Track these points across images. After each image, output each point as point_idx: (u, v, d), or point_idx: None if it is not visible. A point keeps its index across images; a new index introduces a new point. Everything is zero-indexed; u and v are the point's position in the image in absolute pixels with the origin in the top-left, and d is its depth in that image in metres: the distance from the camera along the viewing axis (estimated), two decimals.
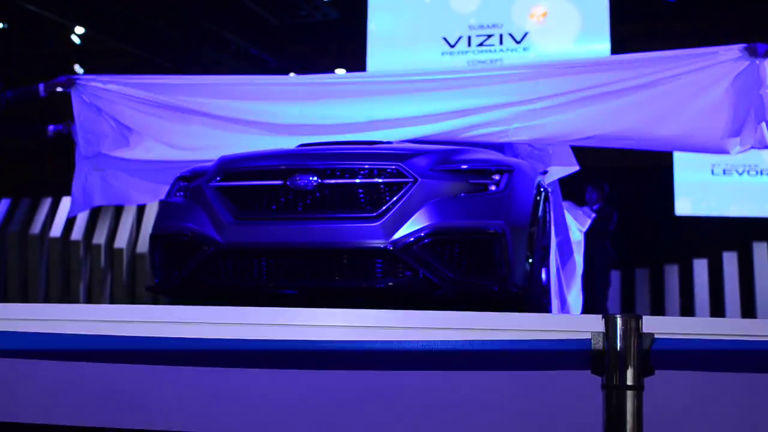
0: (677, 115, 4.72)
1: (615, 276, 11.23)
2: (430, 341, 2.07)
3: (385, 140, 5.26)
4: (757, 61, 4.57)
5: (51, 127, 5.84)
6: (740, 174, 13.82)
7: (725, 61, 4.65)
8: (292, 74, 15.17)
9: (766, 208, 13.79)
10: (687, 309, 10.88)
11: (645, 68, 4.75)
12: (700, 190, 13.97)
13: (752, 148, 4.69)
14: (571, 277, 6.20)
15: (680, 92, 4.70)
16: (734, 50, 4.64)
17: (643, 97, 4.72)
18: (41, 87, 5.56)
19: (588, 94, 4.79)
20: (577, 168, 5.44)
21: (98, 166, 5.69)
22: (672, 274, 11.15)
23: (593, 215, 8.19)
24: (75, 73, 15.66)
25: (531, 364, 2.02)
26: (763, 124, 4.54)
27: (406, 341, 2.10)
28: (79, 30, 13.69)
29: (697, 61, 4.72)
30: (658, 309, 11.07)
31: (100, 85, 5.51)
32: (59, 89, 5.50)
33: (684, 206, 13.91)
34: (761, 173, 13.94)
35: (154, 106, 5.48)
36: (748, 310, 10.63)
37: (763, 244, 10.80)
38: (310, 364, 2.23)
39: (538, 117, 4.88)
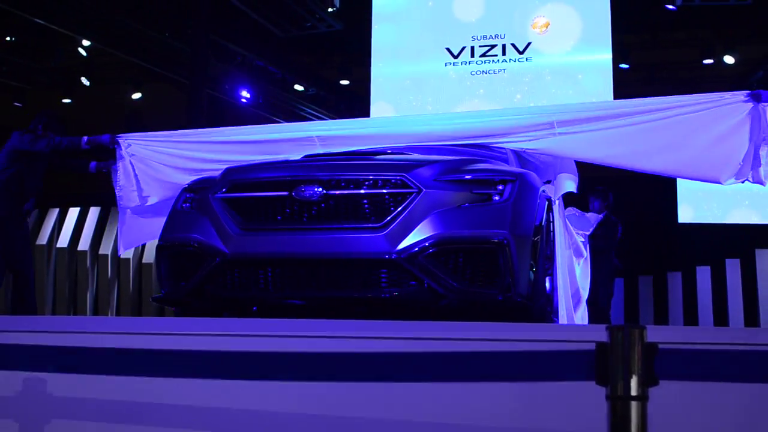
0: (685, 145, 5.21)
1: (618, 283, 11.22)
2: (434, 353, 2.09)
3: (390, 150, 5.29)
4: (760, 106, 5.01)
5: (93, 164, 6.27)
6: (742, 182, 13.80)
7: (731, 104, 5.09)
8: (297, 86, 15.25)
9: None
10: (690, 316, 10.87)
11: (661, 107, 5.28)
12: (702, 197, 13.96)
13: (746, 181, 5.27)
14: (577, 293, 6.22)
15: (688, 126, 5.18)
16: (739, 95, 5.11)
17: (656, 128, 5.22)
18: (84, 140, 6.09)
19: (612, 124, 5.33)
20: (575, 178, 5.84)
21: (134, 212, 6.06)
22: (675, 281, 11.15)
23: (599, 217, 8.20)
24: (81, 84, 15.75)
25: (535, 375, 2.03)
26: (763, 165, 5.09)
27: (409, 353, 2.12)
28: (86, 43, 13.75)
29: (707, 103, 5.17)
30: (662, 316, 11.06)
31: (138, 141, 6.04)
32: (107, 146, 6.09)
33: (687, 214, 13.91)
34: None
35: (185, 158, 5.82)
36: (752, 317, 10.62)
37: (766, 251, 10.78)
38: (317, 375, 2.25)
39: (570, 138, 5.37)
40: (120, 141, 5.99)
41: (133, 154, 5.97)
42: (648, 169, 5.47)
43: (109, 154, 6.09)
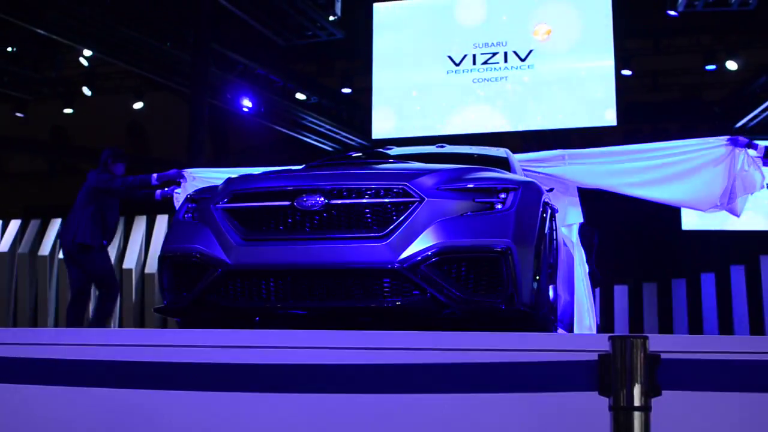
0: (676, 178, 6.28)
1: (622, 291, 11.20)
2: (436, 364, 2.08)
3: (392, 157, 5.26)
4: (736, 150, 6.07)
5: (158, 193, 7.10)
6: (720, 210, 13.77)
7: (714, 147, 6.18)
8: (299, 94, 15.28)
9: None
10: (695, 324, 10.84)
11: (658, 149, 6.42)
12: None
13: (723, 210, 6.28)
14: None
15: (679, 164, 6.25)
16: (722, 140, 6.18)
17: (652, 165, 6.34)
18: (154, 177, 6.90)
19: (615, 159, 6.47)
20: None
21: None
22: (679, 288, 11.12)
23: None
24: (83, 94, 15.80)
25: (537, 386, 2.02)
26: (738, 199, 6.12)
27: (411, 364, 2.11)
28: (87, 53, 13.79)
29: (695, 146, 6.28)
30: (666, 323, 11.03)
31: (201, 174, 6.85)
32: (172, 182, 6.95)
33: (691, 220, 13.89)
34: (767, 187, 13.90)
35: None
36: (757, 323, 10.59)
37: None
38: (320, 387, 2.24)
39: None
40: (185, 173, 6.88)
41: (194, 179, 6.76)
42: (642, 197, 6.50)
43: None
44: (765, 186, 6.22)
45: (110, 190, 6.98)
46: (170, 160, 16.03)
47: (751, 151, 6.09)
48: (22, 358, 2.57)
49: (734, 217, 6.16)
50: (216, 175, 6.68)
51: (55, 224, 10.56)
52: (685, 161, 6.25)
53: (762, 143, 6.25)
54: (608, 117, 11.95)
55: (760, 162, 6.11)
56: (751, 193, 6.19)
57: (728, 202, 6.16)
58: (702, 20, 13.15)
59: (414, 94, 12.78)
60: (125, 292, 9.98)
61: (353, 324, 4.12)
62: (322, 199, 4.10)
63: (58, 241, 10.19)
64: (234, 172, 6.46)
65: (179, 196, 6.81)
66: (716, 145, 6.17)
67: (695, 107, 15.58)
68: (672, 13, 11.45)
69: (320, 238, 4.08)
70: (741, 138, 6.12)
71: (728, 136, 6.18)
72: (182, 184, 6.83)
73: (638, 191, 6.42)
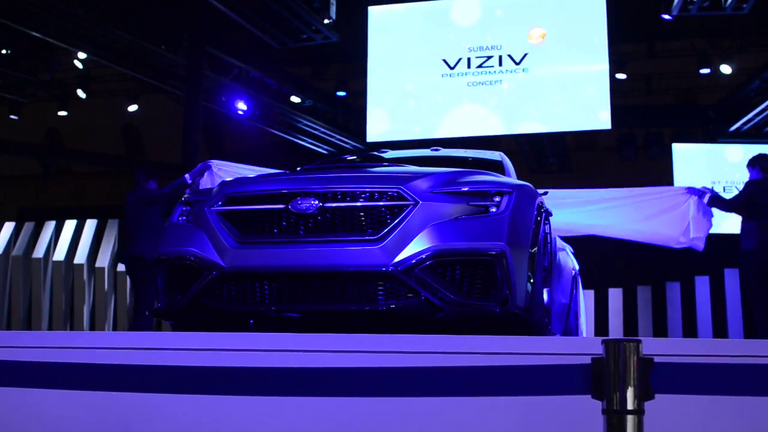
0: (646, 221, 7.46)
1: (617, 294, 11.21)
2: (429, 367, 2.08)
3: (386, 160, 5.26)
4: (692, 198, 7.31)
5: (188, 192, 7.45)
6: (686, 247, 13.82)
7: (674, 195, 7.50)
8: (293, 97, 15.28)
9: None
10: (689, 327, 10.86)
11: (627, 195, 7.62)
12: None
13: (688, 247, 7.43)
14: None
15: (647, 208, 7.47)
16: (681, 189, 7.59)
17: (623, 211, 7.53)
18: (187, 177, 7.13)
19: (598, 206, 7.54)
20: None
21: None
22: (674, 291, 11.13)
23: None
24: (78, 97, 15.78)
25: (530, 389, 2.02)
26: (697, 238, 7.32)
27: (404, 368, 2.11)
28: (82, 55, 13.77)
29: (661, 192, 7.62)
30: (660, 327, 11.05)
31: (226, 167, 7.18)
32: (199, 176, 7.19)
33: None
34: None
35: None
36: (751, 326, 10.61)
37: None
38: (314, 390, 2.24)
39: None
40: (211, 164, 7.19)
41: (219, 169, 7.05)
42: (616, 236, 7.67)
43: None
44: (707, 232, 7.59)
45: (157, 201, 7.42)
46: (165, 163, 16.04)
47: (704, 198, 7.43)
48: (15, 361, 2.57)
49: (729, 221, 7.05)
50: (238, 170, 6.99)
51: (49, 227, 10.54)
52: (650, 206, 7.50)
53: (719, 190, 7.64)
54: (603, 120, 11.97)
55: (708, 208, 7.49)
56: (705, 235, 7.43)
57: (689, 241, 7.36)
58: (696, 24, 13.18)
59: (409, 97, 12.79)
60: (119, 295, 9.96)
61: (348, 327, 4.12)
62: (316, 202, 4.10)
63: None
64: (255, 171, 6.81)
65: (204, 184, 7.09)
66: (678, 192, 7.51)
67: (689, 111, 15.62)
68: (666, 16, 11.46)
69: (315, 241, 4.08)
70: (695, 189, 7.43)
71: (687, 187, 7.59)
72: (206, 174, 7.07)
73: (612, 232, 7.62)
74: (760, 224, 7.54)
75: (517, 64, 12.13)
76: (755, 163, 7.74)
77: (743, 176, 7.98)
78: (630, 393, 1.94)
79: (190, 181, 7.14)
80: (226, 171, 7.07)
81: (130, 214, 7.51)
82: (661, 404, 1.99)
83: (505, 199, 4.14)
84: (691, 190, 7.36)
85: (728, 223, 13.71)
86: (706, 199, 7.39)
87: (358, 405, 2.68)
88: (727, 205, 7.65)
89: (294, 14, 11.78)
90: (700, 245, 7.36)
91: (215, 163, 7.19)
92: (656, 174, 14.89)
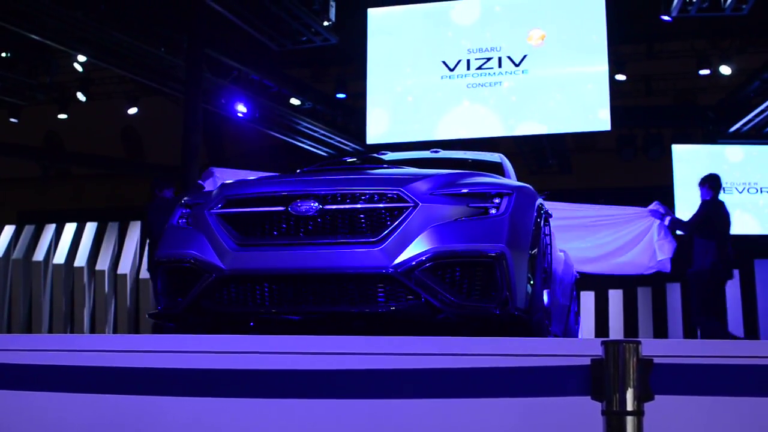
0: (620, 256, 8.11)
1: (617, 295, 11.22)
2: (428, 369, 2.09)
3: (386, 162, 5.26)
4: (655, 221, 7.98)
5: None
6: (740, 192, 13.86)
7: (638, 217, 8.14)
8: (293, 100, 15.28)
9: (767, 224, 13.80)
10: (690, 328, 10.85)
11: (599, 216, 8.40)
12: None
13: (657, 270, 8.18)
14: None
15: (619, 239, 8.15)
16: (644, 211, 8.20)
17: (601, 241, 8.25)
18: (203, 183, 7.48)
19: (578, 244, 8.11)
20: None
21: None
22: (674, 292, 11.13)
23: None
24: (77, 100, 15.78)
25: (530, 391, 2.02)
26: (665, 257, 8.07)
27: (404, 369, 2.11)
28: (82, 58, 13.77)
29: (625, 211, 8.28)
30: (661, 328, 11.04)
31: (225, 175, 7.56)
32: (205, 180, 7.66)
33: None
34: (761, 191, 13.97)
35: None
36: (752, 327, 10.61)
37: (765, 261, 10.79)
38: (314, 392, 2.24)
39: None
40: (214, 170, 7.65)
41: (221, 176, 7.48)
42: (596, 272, 8.34)
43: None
44: (673, 252, 8.24)
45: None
46: (165, 166, 16.04)
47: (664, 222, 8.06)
48: (15, 364, 2.57)
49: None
50: (239, 177, 7.30)
51: (49, 230, 10.54)
52: (619, 238, 8.15)
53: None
54: (602, 121, 11.97)
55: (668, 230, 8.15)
56: (669, 256, 8.05)
57: (657, 265, 8.02)
58: (695, 25, 13.18)
59: (408, 99, 12.79)
60: (119, 297, 9.96)
61: (348, 329, 4.13)
62: (316, 204, 4.10)
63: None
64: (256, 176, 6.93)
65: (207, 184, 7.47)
66: (643, 217, 8.14)
67: (689, 112, 15.62)
68: (666, 18, 11.47)
69: (314, 243, 4.08)
70: (656, 211, 7.99)
71: (649, 209, 8.16)
72: (209, 180, 7.37)
73: (589, 269, 8.17)
74: (713, 244, 7.88)
75: (517, 65, 12.14)
76: (705, 182, 8.06)
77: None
78: (630, 394, 1.94)
79: (202, 182, 7.39)
80: (228, 177, 7.24)
81: (152, 222, 7.67)
82: (661, 405, 1.99)
83: (505, 201, 4.14)
84: (653, 213, 8.06)
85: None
86: (666, 222, 7.99)
87: (358, 407, 2.68)
88: (686, 227, 8.08)
89: (293, 16, 11.78)
90: (667, 266, 8.17)
91: (217, 170, 7.40)
92: (656, 175, 14.90)
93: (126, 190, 18.45)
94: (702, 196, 8.07)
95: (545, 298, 4.55)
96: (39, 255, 10.30)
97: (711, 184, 8.04)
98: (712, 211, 7.96)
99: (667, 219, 8.03)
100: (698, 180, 8.06)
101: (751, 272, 10.75)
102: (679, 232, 8.08)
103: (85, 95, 15.81)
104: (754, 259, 10.89)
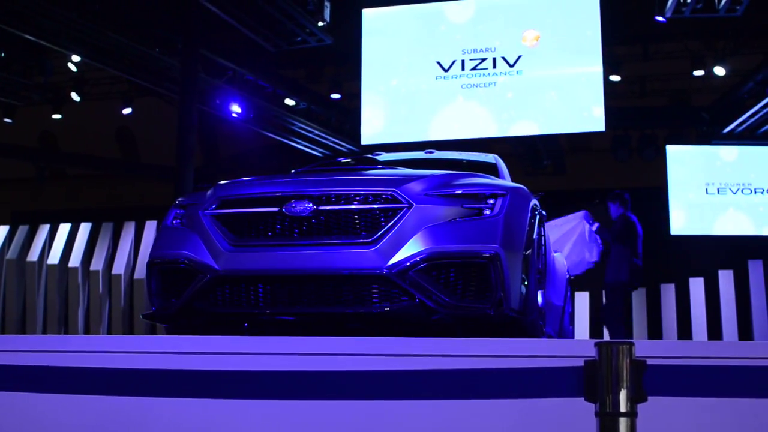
0: (569, 257, 8.29)
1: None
2: (424, 370, 2.09)
3: (381, 163, 5.26)
4: (585, 225, 8.61)
5: None
6: (734, 193, 13.90)
7: (574, 218, 8.73)
8: (288, 100, 15.28)
9: (761, 225, 13.85)
10: (684, 328, 10.88)
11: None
12: (694, 209, 14.01)
13: (587, 267, 8.69)
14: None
15: (563, 241, 8.56)
16: (580, 214, 8.80)
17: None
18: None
19: None
20: None
21: None
22: (668, 293, 11.15)
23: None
24: (72, 100, 15.76)
25: (523, 392, 2.03)
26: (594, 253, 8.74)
27: (398, 371, 2.11)
28: (76, 58, 13.74)
29: (567, 219, 8.79)
30: (655, 328, 11.07)
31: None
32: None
33: (679, 225, 13.96)
34: (754, 192, 14.01)
35: None
36: (745, 328, 10.64)
37: (759, 262, 10.81)
38: (308, 393, 2.24)
39: None
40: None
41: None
42: None
43: None
44: (599, 256, 8.85)
45: None
46: (160, 166, 16.02)
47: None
48: (9, 365, 2.56)
49: (723, 222, 7.55)
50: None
51: (44, 230, 10.51)
52: (564, 237, 8.53)
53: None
54: (597, 122, 11.99)
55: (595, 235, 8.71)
56: (595, 260, 8.65)
57: (586, 265, 8.60)
58: (690, 26, 13.20)
59: (403, 99, 12.79)
60: (114, 298, 9.94)
61: (342, 330, 4.13)
62: (310, 205, 4.10)
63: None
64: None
65: None
66: (576, 216, 8.69)
67: (683, 112, 15.65)
68: (660, 18, 11.48)
69: (309, 243, 4.08)
70: (590, 217, 8.62)
71: (584, 212, 8.74)
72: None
73: None
74: (627, 255, 8.78)
75: (511, 66, 12.14)
76: (616, 199, 9.00)
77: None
78: (623, 395, 1.95)
79: None
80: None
81: None
82: (655, 406, 1.99)
83: (499, 202, 4.15)
84: (585, 216, 8.72)
85: (722, 225, 13.78)
86: (594, 228, 8.70)
87: (351, 408, 2.68)
88: (609, 236, 8.84)
89: (288, 17, 11.77)
90: (596, 259, 8.84)
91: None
92: (650, 176, 14.92)
93: (121, 190, 18.43)
94: (614, 211, 8.98)
95: (539, 298, 4.56)
96: (33, 255, 10.26)
97: (621, 201, 8.98)
98: (626, 224, 8.87)
99: (595, 226, 8.72)
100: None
101: (744, 273, 10.77)
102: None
103: (79, 95, 15.77)
104: (748, 259, 10.91)
